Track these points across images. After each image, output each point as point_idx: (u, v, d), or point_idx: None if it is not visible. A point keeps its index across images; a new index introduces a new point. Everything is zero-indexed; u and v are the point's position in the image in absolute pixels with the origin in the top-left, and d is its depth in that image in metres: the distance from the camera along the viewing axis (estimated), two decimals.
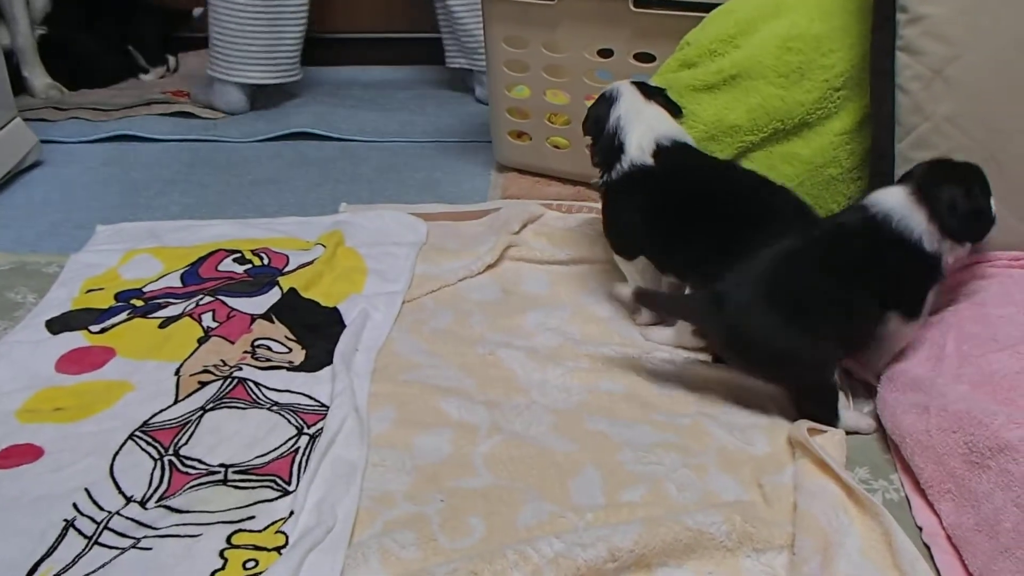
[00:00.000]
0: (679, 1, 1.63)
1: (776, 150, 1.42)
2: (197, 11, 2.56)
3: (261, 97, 2.29)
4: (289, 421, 1.13)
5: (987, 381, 1.05)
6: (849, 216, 1.17)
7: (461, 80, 2.40)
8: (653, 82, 1.47)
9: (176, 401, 1.17)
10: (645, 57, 1.68)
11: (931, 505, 1.01)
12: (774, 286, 1.10)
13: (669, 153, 1.30)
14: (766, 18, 1.44)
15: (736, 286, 1.11)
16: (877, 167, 1.32)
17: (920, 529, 0.99)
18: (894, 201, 1.13)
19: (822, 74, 1.38)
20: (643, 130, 1.31)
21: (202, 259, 1.51)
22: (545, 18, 1.73)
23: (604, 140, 1.33)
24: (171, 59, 2.59)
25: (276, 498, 1.01)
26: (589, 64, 1.74)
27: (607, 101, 1.34)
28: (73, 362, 1.25)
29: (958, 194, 1.12)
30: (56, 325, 1.33)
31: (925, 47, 1.25)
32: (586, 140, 1.39)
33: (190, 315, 1.34)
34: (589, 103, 1.75)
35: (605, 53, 1.72)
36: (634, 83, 1.36)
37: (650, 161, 1.29)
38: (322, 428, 1.11)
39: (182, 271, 1.48)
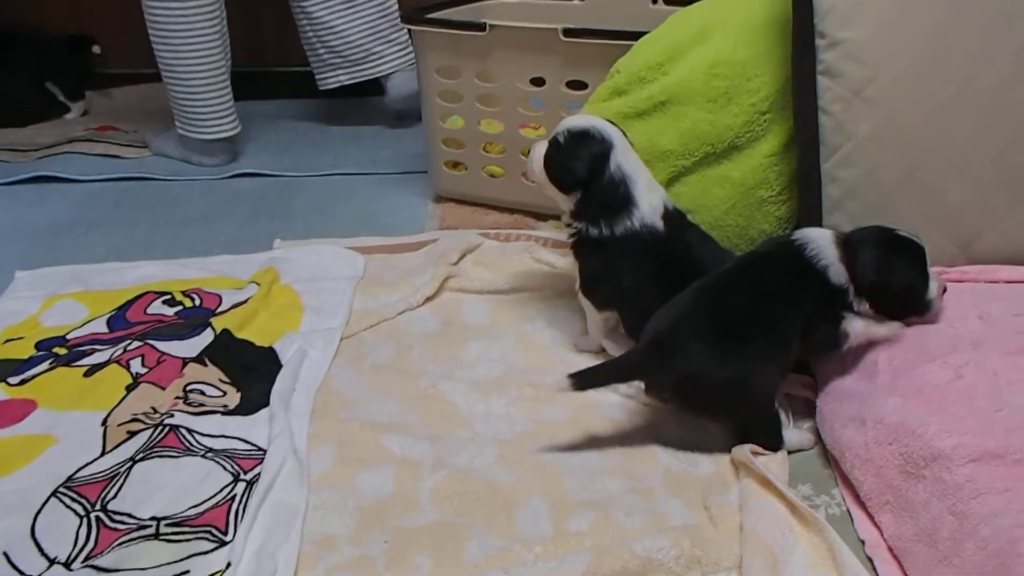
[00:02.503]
0: (607, 30, 1.65)
1: (708, 173, 1.43)
2: (96, 48, 2.54)
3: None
4: (224, 468, 1.10)
5: (919, 392, 1.07)
6: (768, 245, 1.20)
7: (391, 111, 2.39)
8: (585, 110, 1.48)
9: (103, 453, 1.13)
10: (577, 84, 1.70)
11: (872, 518, 1.02)
12: (708, 322, 1.10)
13: (673, 219, 1.27)
14: (692, 45, 1.46)
15: (671, 330, 1.11)
16: (804, 186, 1.35)
17: (863, 542, 1.00)
18: (816, 235, 1.16)
19: (748, 98, 1.40)
20: (650, 186, 1.26)
21: (130, 302, 1.47)
22: (476, 47, 1.73)
23: (606, 189, 1.23)
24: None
25: (212, 550, 0.98)
26: (522, 93, 1.74)
27: (599, 143, 1.23)
28: None
29: (875, 255, 1.14)
30: None
31: (844, 70, 1.28)
32: (523, 170, 1.35)
33: (117, 361, 1.30)
34: (524, 131, 1.78)
35: (538, 81, 1.73)
36: (611, 122, 1.29)
37: (660, 224, 1.24)
38: (259, 473, 1.08)
39: (108, 316, 1.43)
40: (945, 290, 1.19)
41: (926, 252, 1.17)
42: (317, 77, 2.36)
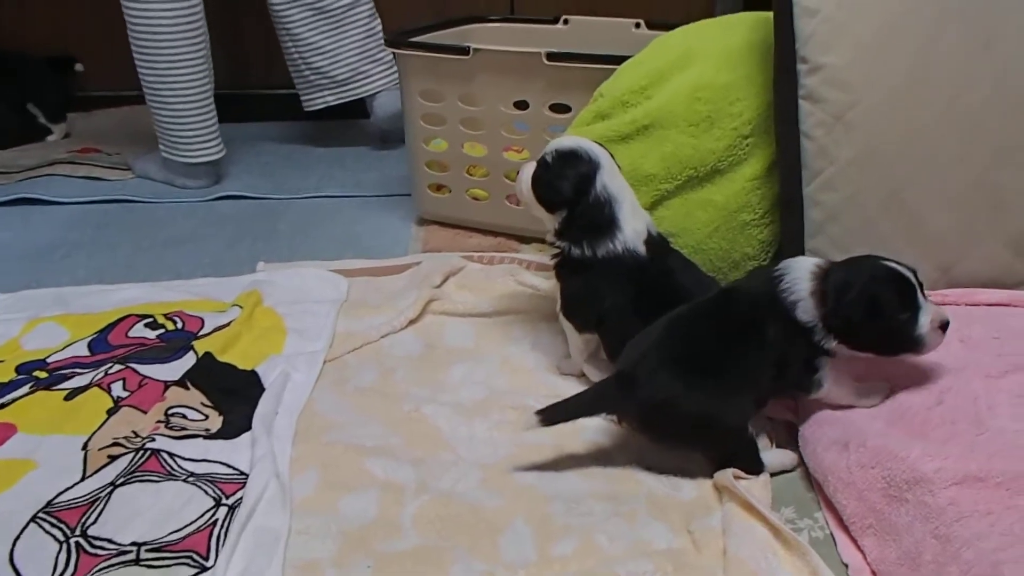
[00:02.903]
0: (590, 54, 1.66)
1: (691, 197, 1.44)
2: (79, 66, 2.53)
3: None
4: (206, 492, 1.09)
5: (901, 417, 1.08)
6: (750, 275, 1.19)
7: (377, 131, 2.40)
8: (569, 133, 1.49)
9: (84, 478, 1.12)
10: (561, 108, 1.71)
11: (855, 541, 1.02)
12: (676, 354, 1.10)
13: (657, 246, 1.27)
14: (675, 69, 1.48)
15: (638, 362, 1.11)
16: (787, 210, 1.36)
17: (846, 566, 1.00)
18: (796, 266, 1.11)
19: (730, 122, 1.42)
20: (635, 211, 1.26)
21: (111, 325, 1.46)
22: (460, 71, 1.74)
23: (591, 208, 1.24)
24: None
25: (193, 575, 0.96)
26: (506, 116, 1.75)
27: (585, 163, 1.24)
28: None
29: (849, 287, 1.07)
30: None
31: (826, 95, 1.29)
32: (515, 192, 1.31)
33: (98, 385, 1.29)
34: (507, 155, 1.79)
35: (521, 105, 1.74)
36: (599, 144, 1.29)
37: (642, 249, 1.24)
38: (241, 497, 1.07)
39: (90, 339, 1.42)
40: (946, 324, 1.08)
41: (913, 283, 1.07)
42: (303, 98, 2.36)
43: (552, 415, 1.11)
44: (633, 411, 1.12)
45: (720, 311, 1.14)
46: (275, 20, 2.27)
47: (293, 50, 2.28)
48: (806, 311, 1.08)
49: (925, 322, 1.07)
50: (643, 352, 1.11)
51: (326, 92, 2.32)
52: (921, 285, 1.09)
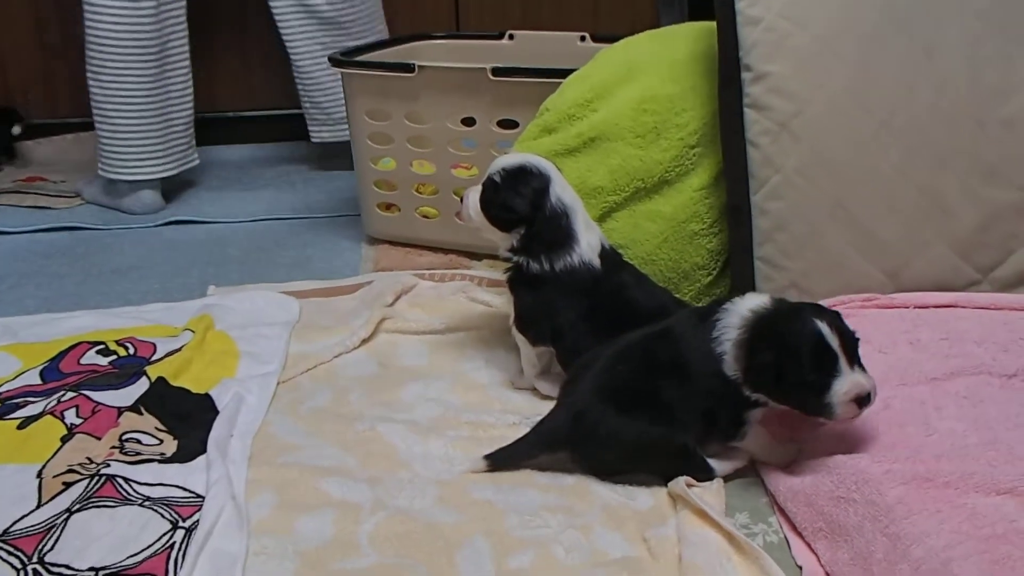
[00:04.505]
0: (535, 68, 1.68)
1: (639, 209, 1.46)
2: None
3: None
4: (163, 516, 1.08)
5: (850, 423, 1.09)
6: (702, 310, 1.16)
7: (328, 153, 2.40)
8: (515, 149, 1.50)
9: (39, 505, 1.10)
10: (508, 124, 1.72)
11: (809, 544, 1.03)
12: (610, 394, 1.12)
13: (610, 258, 1.27)
14: (620, 82, 1.50)
15: (572, 402, 1.14)
16: (734, 220, 1.38)
17: (800, 569, 1.01)
18: (735, 309, 1.08)
19: (677, 133, 1.44)
20: (587, 224, 1.26)
21: (63, 353, 1.44)
22: (406, 89, 1.75)
23: (549, 222, 1.24)
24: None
25: None
26: (453, 133, 1.76)
27: (537, 177, 1.24)
28: None
29: (765, 344, 1.04)
30: None
31: (770, 103, 1.31)
32: (462, 212, 1.30)
33: (51, 413, 1.27)
34: (456, 172, 1.79)
35: (468, 121, 1.75)
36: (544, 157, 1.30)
37: (597, 262, 1.25)
38: (198, 520, 1.06)
39: (41, 367, 1.41)
40: (865, 398, 1.02)
41: (834, 350, 1.01)
42: (308, 127, 2.35)
43: (499, 460, 1.15)
44: (571, 449, 1.14)
45: (658, 353, 1.13)
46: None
47: (298, 81, 2.29)
48: (729, 364, 1.07)
49: (839, 391, 1.01)
50: (577, 391, 1.13)
51: (323, 128, 2.32)
52: (853, 347, 1.03)
